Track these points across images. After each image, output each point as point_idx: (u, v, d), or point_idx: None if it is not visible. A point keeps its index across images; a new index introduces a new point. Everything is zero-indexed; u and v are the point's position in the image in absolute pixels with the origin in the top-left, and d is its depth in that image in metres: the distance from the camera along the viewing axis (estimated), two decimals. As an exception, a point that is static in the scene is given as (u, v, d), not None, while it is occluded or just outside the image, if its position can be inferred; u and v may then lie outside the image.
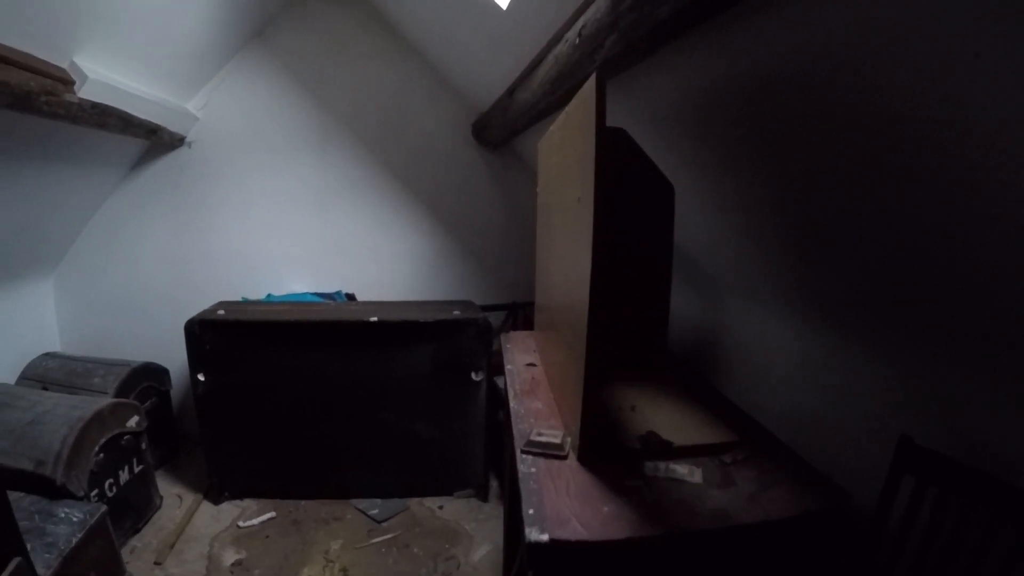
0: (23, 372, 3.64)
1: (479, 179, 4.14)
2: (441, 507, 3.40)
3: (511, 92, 2.84)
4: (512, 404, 1.80)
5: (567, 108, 1.60)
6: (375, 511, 3.32)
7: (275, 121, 3.97)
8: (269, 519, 3.28)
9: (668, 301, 1.92)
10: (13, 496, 2.53)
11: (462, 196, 4.16)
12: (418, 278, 4.23)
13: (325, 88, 3.95)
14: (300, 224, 4.12)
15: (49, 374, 3.58)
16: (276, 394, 3.25)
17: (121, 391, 3.36)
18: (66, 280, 4.10)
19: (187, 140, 3.91)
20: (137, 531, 3.14)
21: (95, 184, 3.76)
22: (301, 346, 3.18)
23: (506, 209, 4.18)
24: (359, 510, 3.35)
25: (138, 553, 3.00)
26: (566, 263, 1.58)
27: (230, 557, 2.99)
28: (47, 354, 3.81)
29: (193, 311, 3.24)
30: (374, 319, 3.13)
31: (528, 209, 3.91)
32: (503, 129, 3.28)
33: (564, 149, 1.63)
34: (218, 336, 3.14)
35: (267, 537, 3.14)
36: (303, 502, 3.42)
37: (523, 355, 2.30)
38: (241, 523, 3.24)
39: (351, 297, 4.01)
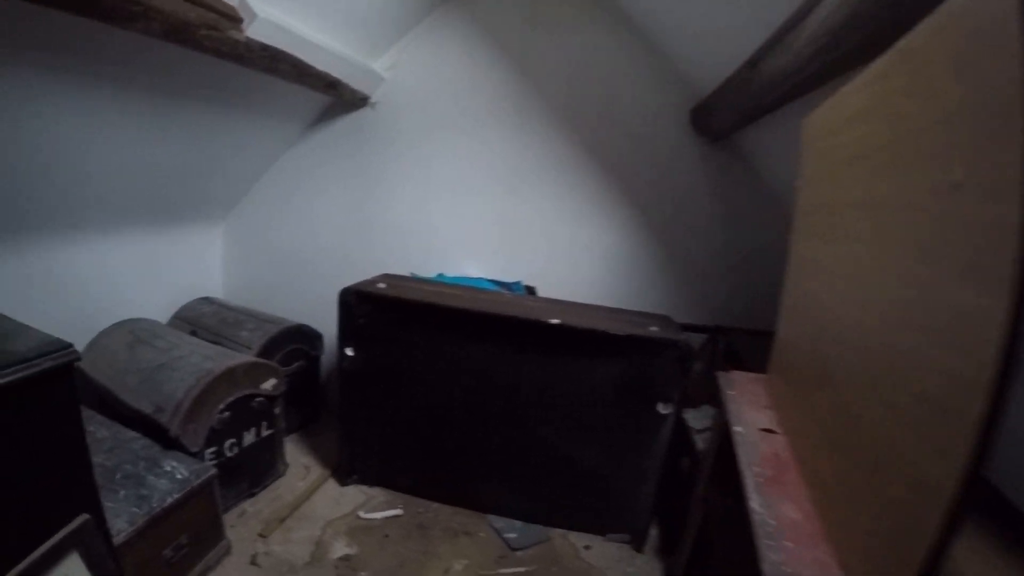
0: (177, 312, 3.62)
1: (692, 175, 3.44)
2: (587, 547, 2.88)
3: (754, 63, 2.22)
4: (753, 503, 1.19)
5: (907, 40, 1.00)
6: (512, 535, 2.87)
7: (467, 90, 3.58)
8: (394, 516, 2.96)
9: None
10: (126, 436, 2.46)
11: (670, 193, 3.48)
12: (607, 280, 3.64)
13: (525, 58, 3.48)
14: (485, 203, 3.71)
15: (201, 319, 3.51)
16: (427, 383, 2.90)
17: (265, 350, 3.18)
18: (236, 229, 4.08)
19: (371, 101, 3.66)
20: (252, 495, 2.97)
21: (272, 137, 3.65)
22: (465, 337, 2.78)
23: (721, 214, 3.45)
24: (494, 529, 2.92)
25: (246, 519, 2.81)
26: (891, 289, 0.98)
27: (340, 549, 2.70)
28: (204, 298, 3.77)
29: (356, 278, 3.00)
30: (556, 322, 2.65)
31: (749, 216, 3.32)
32: (735, 113, 2.64)
33: (897, 107, 1.02)
34: (373, 310, 2.84)
35: (386, 536, 2.81)
36: (435, 505, 3.07)
37: (753, 411, 1.65)
38: (363, 513, 2.95)
39: (530, 291, 3.54)
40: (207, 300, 3.73)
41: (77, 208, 2.86)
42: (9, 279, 2.68)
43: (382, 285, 2.95)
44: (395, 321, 2.84)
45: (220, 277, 4.13)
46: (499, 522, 2.97)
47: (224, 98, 2.95)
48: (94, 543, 1.63)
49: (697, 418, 2.83)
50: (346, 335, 2.89)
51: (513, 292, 3.35)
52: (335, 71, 2.99)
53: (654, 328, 2.67)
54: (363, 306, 2.83)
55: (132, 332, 3.04)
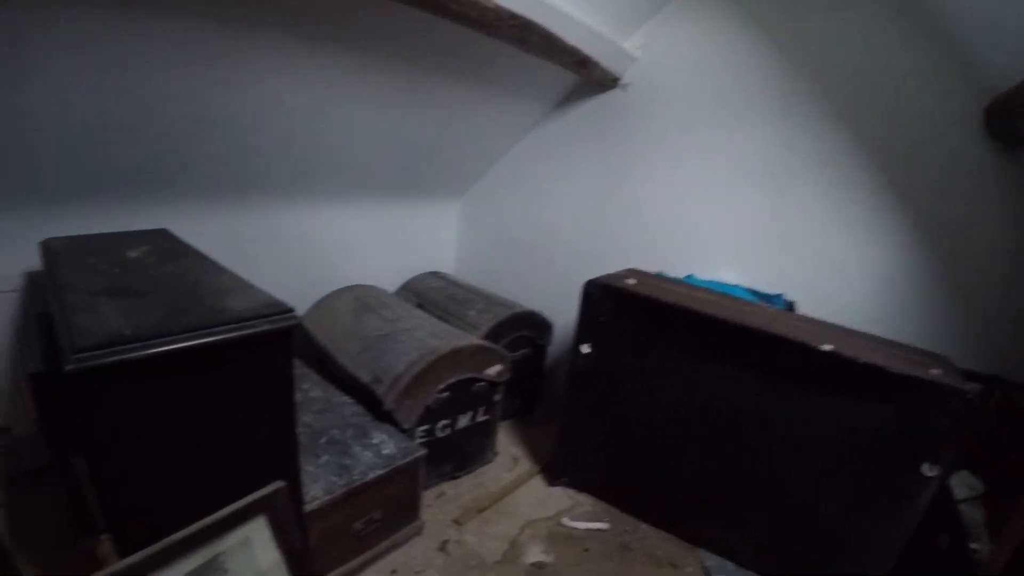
0: (405, 283, 3.70)
1: (982, 189, 2.77)
2: (802, 611, 2.50)
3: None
4: None
5: None
6: (722, 578, 2.58)
7: (726, 75, 3.20)
8: (598, 529, 2.77)
9: None
10: (339, 400, 2.48)
11: (953, 208, 2.85)
12: (873, 304, 3.06)
13: (793, 42, 3.04)
14: (743, 202, 3.29)
15: (428, 292, 3.55)
16: (661, 395, 2.65)
17: (492, 333, 3.11)
18: (473, 207, 4.11)
19: (622, 82, 3.42)
20: (455, 478, 2.93)
21: (517, 115, 3.56)
22: (715, 350, 2.48)
23: (1014, 240, 2.76)
24: (704, 568, 2.62)
25: (444, 502, 2.77)
26: None
27: (535, 555, 2.54)
28: (434, 272, 3.83)
29: (593, 271, 2.79)
30: (828, 348, 2.24)
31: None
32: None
33: None
34: (619, 307, 2.63)
35: (586, 550, 2.62)
36: (644, 527, 2.83)
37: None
38: (566, 520, 2.79)
39: (790, 306, 3.12)
40: (436, 275, 3.78)
41: (320, 175, 2.98)
42: (251, 237, 2.84)
43: (631, 281, 2.71)
44: (642, 322, 2.60)
45: (452, 253, 4.19)
46: (711, 560, 2.67)
47: (471, 72, 2.89)
48: (283, 510, 1.62)
49: (958, 485, 2.31)
50: (585, 331, 2.71)
51: (774, 306, 2.97)
52: (586, 47, 2.82)
53: (936, 371, 2.16)
54: (608, 302, 2.63)
55: (359, 298, 3.12)
